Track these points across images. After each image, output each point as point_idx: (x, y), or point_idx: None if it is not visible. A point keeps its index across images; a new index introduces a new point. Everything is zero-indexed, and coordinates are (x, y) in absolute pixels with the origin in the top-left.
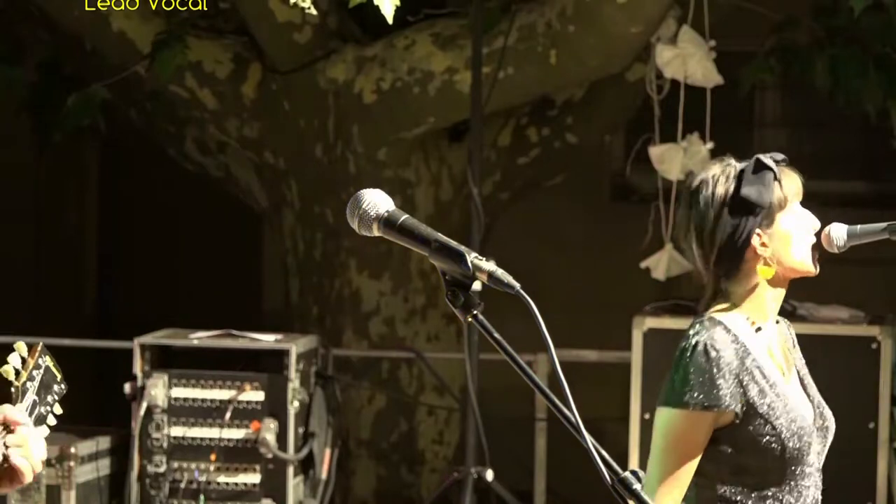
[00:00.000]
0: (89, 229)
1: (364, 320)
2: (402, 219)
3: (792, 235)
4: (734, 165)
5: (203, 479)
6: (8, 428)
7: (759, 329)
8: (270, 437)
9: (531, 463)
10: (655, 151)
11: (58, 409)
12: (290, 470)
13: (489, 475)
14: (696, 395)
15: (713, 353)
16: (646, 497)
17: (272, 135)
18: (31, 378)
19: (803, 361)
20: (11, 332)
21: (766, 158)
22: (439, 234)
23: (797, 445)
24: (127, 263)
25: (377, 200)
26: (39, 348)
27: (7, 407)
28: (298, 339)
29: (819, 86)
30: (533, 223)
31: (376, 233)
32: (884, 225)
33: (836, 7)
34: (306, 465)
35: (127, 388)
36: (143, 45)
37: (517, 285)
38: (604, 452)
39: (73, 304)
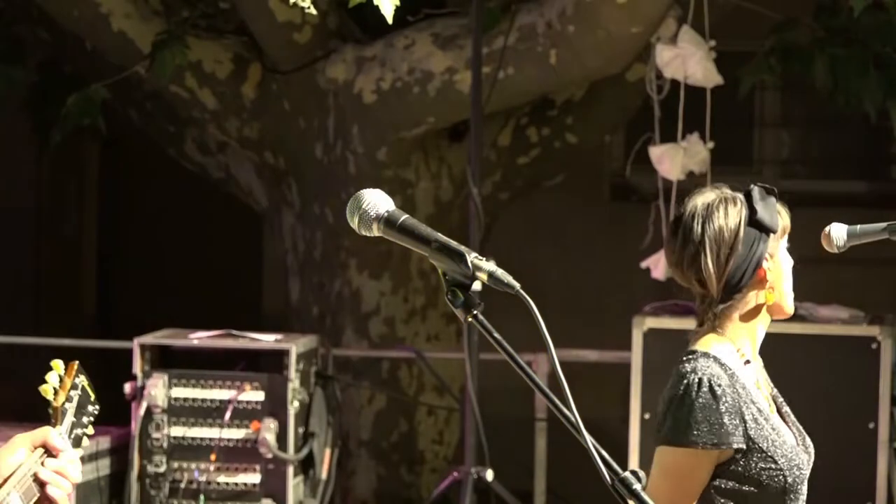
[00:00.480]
0: (89, 229)
1: (364, 320)
2: (402, 219)
3: (784, 268)
4: (731, 192)
5: (203, 479)
6: (49, 453)
7: (747, 362)
8: (270, 437)
9: (531, 463)
10: (655, 151)
11: (90, 431)
12: (290, 470)
13: (489, 475)
14: (703, 433)
15: (718, 391)
16: (646, 497)
17: (272, 135)
18: (69, 399)
19: (777, 391)
20: (11, 332)
21: (764, 186)
22: (439, 234)
23: (795, 476)
24: (127, 263)
25: (377, 200)
26: (76, 367)
27: (49, 430)
28: (298, 339)
29: (819, 86)
30: (533, 223)
31: (376, 233)
32: (884, 225)
33: (836, 7)
34: (306, 465)
35: (127, 388)
36: (143, 45)
37: (517, 285)
38: (604, 452)
39: (73, 304)
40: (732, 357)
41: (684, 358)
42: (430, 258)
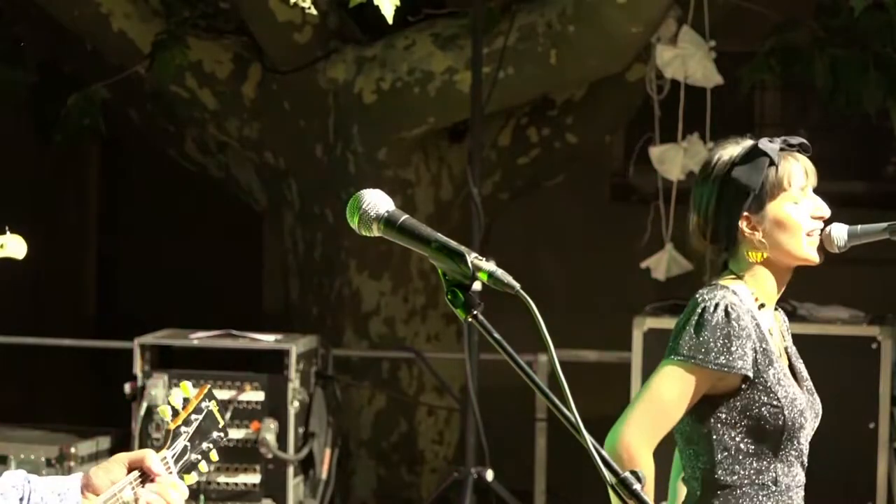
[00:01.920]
0: (89, 229)
1: (364, 320)
2: (402, 219)
3: (786, 222)
4: (743, 146)
5: (203, 479)
6: (148, 477)
7: (762, 306)
8: (270, 437)
9: (531, 463)
10: (655, 151)
11: (214, 457)
12: (290, 470)
13: (489, 475)
14: (713, 353)
15: (732, 314)
16: (646, 497)
17: (272, 135)
18: (187, 422)
19: (795, 349)
20: (11, 332)
21: (767, 143)
22: (439, 234)
23: (795, 419)
24: (127, 263)
25: (377, 200)
26: (206, 391)
27: (149, 453)
28: (298, 339)
29: (819, 86)
30: (533, 223)
31: (376, 233)
32: (884, 225)
33: (836, 7)
34: (306, 465)
35: (127, 388)
36: (143, 45)
37: (517, 285)
38: (604, 452)
39: (73, 304)
40: (748, 297)
41: (707, 288)
42: (430, 258)
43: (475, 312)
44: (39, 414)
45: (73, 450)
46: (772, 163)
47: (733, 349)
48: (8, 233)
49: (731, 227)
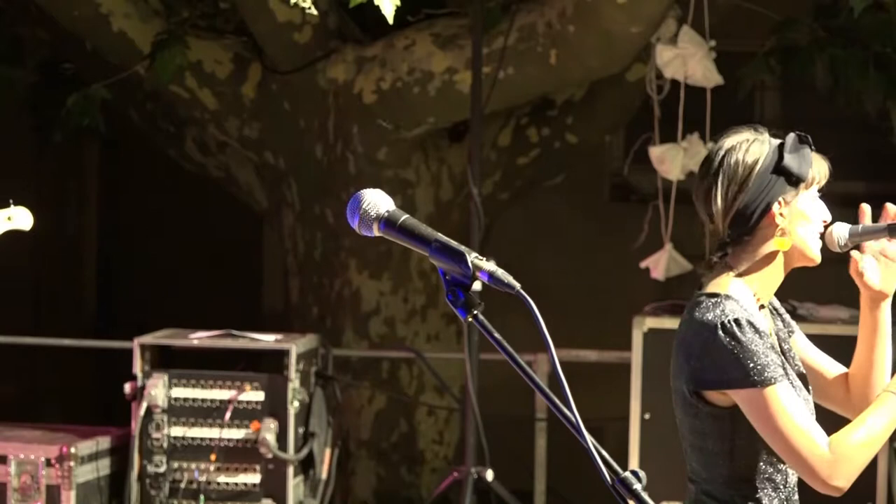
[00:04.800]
0: (89, 229)
1: (364, 320)
2: (402, 219)
3: (809, 217)
4: (767, 134)
5: (203, 479)
6: None
7: (762, 307)
8: (270, 437)
9: (531, 463)
10: (655, 151)
11: None
12: (290, 470)
13: (489, 475)
14: (770, 367)
15: (759, 328)
16: (646, 497)
17: (272, 135)
18: None
19: (788, 330)
20: (11, 332)
21: (804, 137)
22: (439, 234)
23: None
24: (127, 263)
25: (377, 200)
26: None
27: None
28: (298, 339)
29: (819, 86)
30: (533, 223)
31: (376, 233)
32: (885, 224)
33: (836, 7)
34: (306, 465)
35: (127, 388)
36: (143, 45)
37: (517, 285)
38: (604, 452)
39: (73, 304)
40: (750, 300)
41: (709, 302)
42: (431, 258)
43: (475, 312)
44: (39, 414)
45: (73, 449)
46: (808, 158)
47: (774, 358)
48: (13, 205)
49: (762, 212)
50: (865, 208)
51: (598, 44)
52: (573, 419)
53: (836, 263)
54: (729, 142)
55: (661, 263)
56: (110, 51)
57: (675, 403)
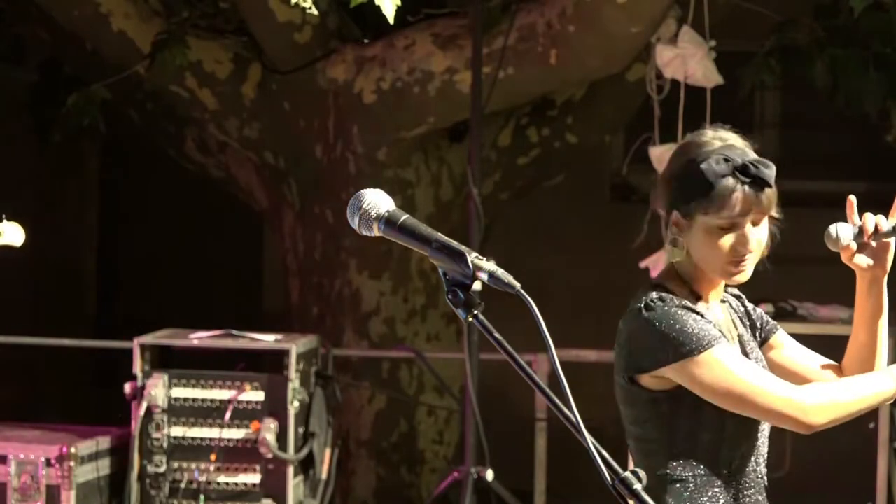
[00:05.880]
0: (89, 229)
1: (364, 320)
2: (402, 219)
3: (702, 245)
4: (719, 141)
5: (203, 479)
6: None
7: (699, 298)
8: (270, 437)
9: (531, 463)
10: (655, 151)
11: None
12: (290, 470)
13: (489, 475)
14: (700, 334)
15: (677, 301)
16: (646, 497)
17: (272, 135)
18: None
19: (751, 338)
20: (11, 332)
21: (715, 167)
22: (439, 233)
23: None
24: (127, 263)
25: (377, 200)
26: None
27: None
28: (298, 339)
29: (819, 86)
30: (533, 223)
31: (377, 233)
32: (893, 226)
33: (836, 7)
34: (306, 465)
35: (127, 388)
36: (143, 45)
37: (517, 285)
38: (604, 452)
39: (73, 304)
40: (683, 290)
41: (640, 293)
42: (431, 258)
43: (475, 312)
44: (39, 413)
45: (73, 449)
46: (712, 187)
47: (703, 325)
48: (5, 220)
49: (667, 216)
50: (852, 198)
51: (598, 44)
52: (573, 419)
53: (836, 264)
54: (688, 138)
55: (661, 263)
56: (110, 51)
57: (618, 399)
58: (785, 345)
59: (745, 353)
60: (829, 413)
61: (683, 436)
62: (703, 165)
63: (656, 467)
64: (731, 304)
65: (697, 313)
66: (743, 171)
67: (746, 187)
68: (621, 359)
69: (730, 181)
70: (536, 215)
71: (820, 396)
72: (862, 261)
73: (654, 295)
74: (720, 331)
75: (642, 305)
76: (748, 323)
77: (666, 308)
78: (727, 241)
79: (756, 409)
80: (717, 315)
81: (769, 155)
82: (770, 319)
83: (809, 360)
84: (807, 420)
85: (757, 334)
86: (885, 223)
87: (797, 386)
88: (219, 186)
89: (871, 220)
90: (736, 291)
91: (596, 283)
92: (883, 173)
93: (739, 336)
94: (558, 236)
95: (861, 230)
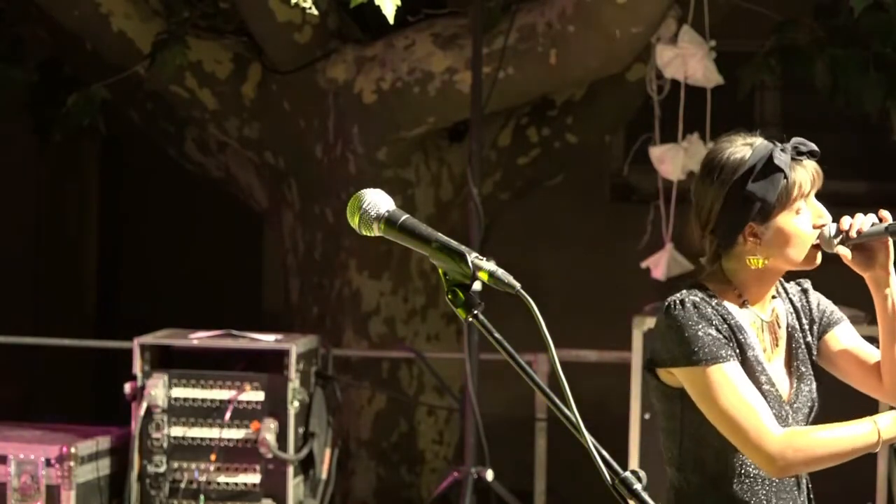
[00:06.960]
0: (89, 229)
1: (364, 320)
2: (402, 219)
3: (790, 236)
4: (754, 147)
5: (203, 479)
6: None
7: (745, 302)
8: (270, 437)
9: (531, 463)
10: (655, 151)
11: None
12: (290, 470)
13: (489, 475)
14: (703, 348)
15: (701, 307)
16: (646, 497)
17: (272, 135)
18: None
19: (808, 329)
20: (11, 332)
21: (781, 156)
22: (440, 233)
23: (773, 408)
24: (127, 263)
25: (377, 200)
26: None
27: None
28: (298, 339)
29: (819, 86)
30: (533, 223)
31: (377, 233)
32: (884, 225)
33: (836, 7)
34: (306, 465)
35: (127, 388)
36: (143, 45)
37: (517, 285)
38: (604, 452)
39: (73, 304)
40: (729, 294)
41: (676, 291)
42: (431, 258)
43: (475, 312)
44: (39, 413)
45: (73, 449)
46: (785, 176)
47: (714, 337)
48: None
49: (734, 233)
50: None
51: (598, 44)
52: (573, 419)
53: (836, 264)
54: (718, 153)
55: (662, 263)
56: (110, 51)
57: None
58: (840, 339)
59: (791, 348)
60: (799, 468)
61: (691, 434)
62: (775, 165)
63: (669, 460)
64: (791, 299)
65: (705, 316)
66: (797, 150)
67: (806, 161)
68: (647, 349)
69: (795, 164)
70: (536, 215)
71: (794, 452)
72: (856, 262)
73: (679, 296)
74: (743, 339)
75: (669, 304)
76: (808, 317)
77: (686, 313)
78: (806, 220)
79: (731, 438)
80: (761, 314)
81: None
82: (835, 311)
83: (866, 352)
84: (772, 468)
85: (815, 328)
86: (868, 224)
87: (780, 430)
88: (219, 186)
89: (846, 219)
90: (806, 285)
91: (596, 282)
92: (883, 173)
93: (790, 329)
94: (558, 236)
95: (838, 230)
